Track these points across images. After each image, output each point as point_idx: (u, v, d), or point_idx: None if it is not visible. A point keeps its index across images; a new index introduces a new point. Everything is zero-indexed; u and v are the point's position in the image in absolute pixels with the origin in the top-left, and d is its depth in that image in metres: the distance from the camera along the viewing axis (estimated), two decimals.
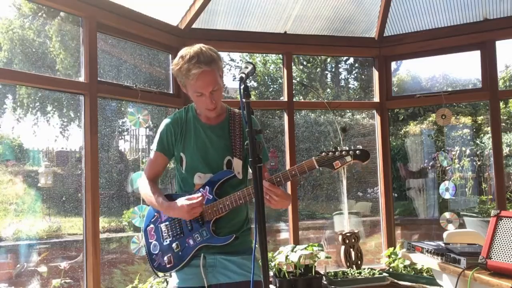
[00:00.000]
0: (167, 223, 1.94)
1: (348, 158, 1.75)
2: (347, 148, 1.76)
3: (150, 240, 1.98)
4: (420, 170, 7.16)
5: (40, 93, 5.83)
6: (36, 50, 5.61)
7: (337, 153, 1.76)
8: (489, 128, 5.17)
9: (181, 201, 1.83)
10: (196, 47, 1.84)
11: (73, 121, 6.06)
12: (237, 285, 1.87)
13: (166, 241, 1.93)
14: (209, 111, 1.89)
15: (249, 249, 1.98)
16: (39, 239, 4.68)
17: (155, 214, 1.99)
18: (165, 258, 1.91)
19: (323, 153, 1.76)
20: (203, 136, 1.94)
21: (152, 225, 1.99)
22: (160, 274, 2.00)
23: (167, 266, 1.91)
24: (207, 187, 1.89)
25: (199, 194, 1.86)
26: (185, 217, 1.84)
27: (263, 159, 1.91)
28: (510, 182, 6.43)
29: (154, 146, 1.99)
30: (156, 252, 1.95)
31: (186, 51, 1.83)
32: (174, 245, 1.90)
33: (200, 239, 1.87)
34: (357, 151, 1.75)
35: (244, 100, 1.56)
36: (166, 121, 1.99)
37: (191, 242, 1.88)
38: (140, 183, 2.03)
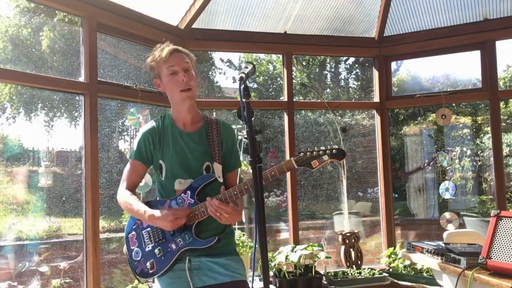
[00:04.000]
0: (149, 229, 1.94)
1: (325, 157, 1.81)
2: (324, 148, 1.83)
3: (132, 247, 1.97)
4: (412, 172, 7.18)
5: (41, 92, 5.83)
6: (31, 49, 5.61)
7: (314, 153, 1.82)
8: (489, 128, 5.18)
9: (165, 211, 1.84)
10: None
11: (73, 121, 6.06)
12: (223, 286, 1.87)
13: (148, 247, 1.92)
14: (184, 93, 1.91)
15: (233, 251, 2.00)
16: (39, 239, 4.68)
17: (136, 221, 1.98)
18: (148, 263, 1.91)
19: (301, 153, 1.82)
20: (181, 143, 1.95)
21: (133, 232, 1.98)
22: (143, 280, 2.00)
23: (150, 271, 1.90)
24: (188, 191, 1.89)
25: (186, 209, 1.86)
26: (167, 226, 1.83)
27: (237, 165, 2.01)
28: (510, 182, 6.43)
29: (132, 156, 2.00)
30: (138, 258, 1.94)
31: (156, 46, 1.99)
32: (156, 250, 1.90)
33: (182, 243, 1.86)
34: (334, 150, 1.82)
35: (244, 100, 1.56)
36: (142, 130, 2.01)
37: (173, 246, 1.88)
38: (119, 194, 2.01)
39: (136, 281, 3.30)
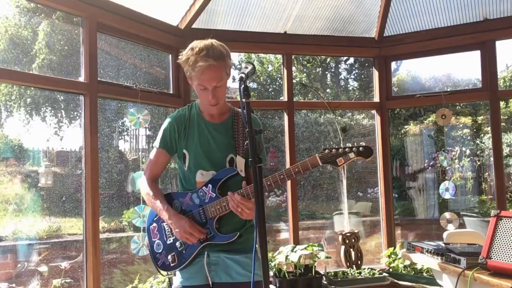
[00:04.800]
0: None
1: (352, 155, 1.75)
2: (350, 145, 1.77)
3: (153, 239, 1.97)
4: (416, 174, 7.18)
5: (40, 93, 5.83)
6: (31, 49, 5.61)
7: (340, 149, 1.75)
8: (489, 128, 5.17)
9: (187, 222, 1.83)
10: (208, 41, 1.87)
11: (72, 121, 6.06)
12: (239, 286, 1.87)
13: (170, 240, 1.93)
14: (211, 106, 1.90)
15: (252, 247, 1.98)
16: (39, 239, 4.67)
17: None
18: (169, 257, 1.91)
19: (326, 150, 1.76)
20: (206, 133, 1.94)
21: (155, 224, 1.98)
22: (164, 273, 2.00)
23: (171, 265, 1.91)
24: (209, 185, 1.88)
25: (205, 232, 1.86)
26: (176, 234, 1.85)
27: (261, 160, 1.94)
28: (510, 182, 6.43)
29: (156, 143, 1.99)
30: (160, 251, 1.95)
31: (197, 43, 1.85)
32: (178, 243, 1.90)
33: (203, 237, 1.86)
34: (360, 148, 1.75)
35: (244, 100, 1.56)
36: (169, 118, 2.00)
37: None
38: (141, 183, 2.02)
39: (136, 281, 3.30)
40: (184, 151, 1.94)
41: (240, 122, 1.96)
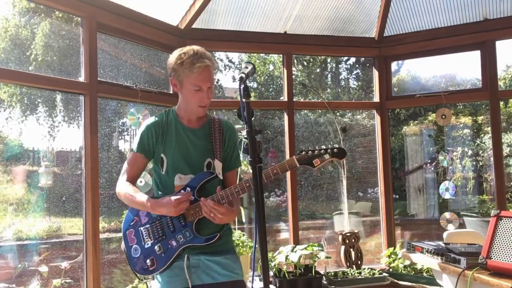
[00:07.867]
0: (147, 225, 1.93)
1: (327, 156, 1.86)
2: (325, 147, 1.88)
3: (130, 244, 1.96)
4: (410, 172, 7.19)
5: (41, 92, 5.84)
6: (31, 49, 5.61)
7: (316, 151, 1.86)
8: (489, 128, 5.17)
9: (168, 197, 1.84)
10: (195, 46, 1.94)
11: (73, 121, 6.06)
12: (220, 286, 1.88)
13: (148, 244, 1.92)
14: (200, 108, 1.94)
15: (231, 249, 2.01)
16: (39, 239, 4.67)
17: (134, 218, 1.97)
18: (148, 261, 1.90)
19: (303, 152, 1.86)
20: (184, 138, 1.96)
21: (131, 229, 1.97)
22: (141, 277, 2.00)
23: (150, 268, 1.90)
24: (188, 188, 1.89)
25: (189, 193, 1.87)
26: (171, 212, 1.82)
27: (237, 164, 2.03)
28: (511, 182, 6.43)
29: (134, 147, 2.00)
30: (137, 255, 1.93)
31: (187, 48, 1.93)
32: (156, 247, 1.89)
33: (183, 240, 1.87)
34: (335, 149, 1.87)
35: (244, 100, 1.57)
36: (145, 122, 2.01)
37: (174, 243, 1.88)
38: (119, 185, 2.00)
39: (136, 281, 3.30)
40: (162, 155, 1.96)
41: (217, 127, 2.02)
